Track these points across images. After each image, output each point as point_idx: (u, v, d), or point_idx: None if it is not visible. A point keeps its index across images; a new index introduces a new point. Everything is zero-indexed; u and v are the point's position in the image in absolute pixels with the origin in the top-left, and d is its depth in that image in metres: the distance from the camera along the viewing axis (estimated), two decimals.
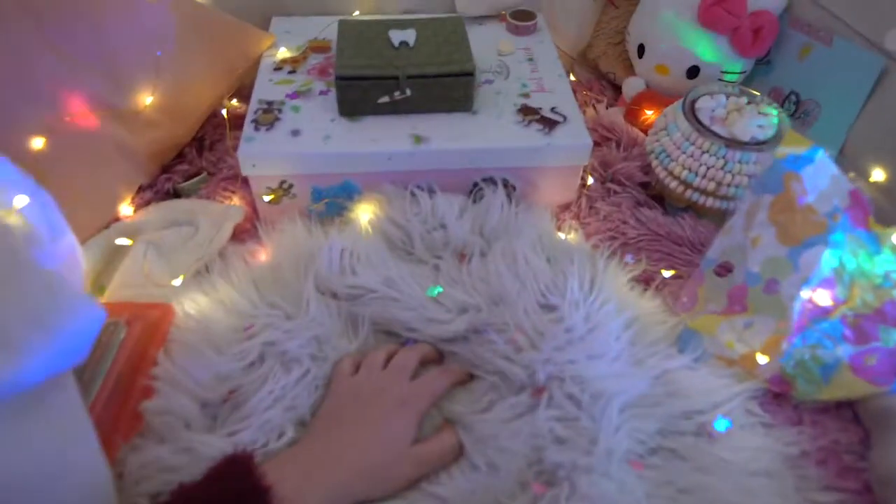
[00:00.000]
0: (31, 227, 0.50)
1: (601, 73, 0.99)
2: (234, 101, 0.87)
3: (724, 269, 0.66)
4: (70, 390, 0.42)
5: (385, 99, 0.70)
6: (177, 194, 0.80)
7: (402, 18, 0.76)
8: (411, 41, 0.72)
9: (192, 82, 0.76)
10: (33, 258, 0.42)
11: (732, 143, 0.71)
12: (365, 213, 0.73)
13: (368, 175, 0.70)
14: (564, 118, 0.72)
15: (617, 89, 0.98)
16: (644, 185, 0.80)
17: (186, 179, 0.80)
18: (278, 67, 0.79)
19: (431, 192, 0.71)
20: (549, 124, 0.71)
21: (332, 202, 0.72)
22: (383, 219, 0.71)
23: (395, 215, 0.69)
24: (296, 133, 0.69)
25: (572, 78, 0.95)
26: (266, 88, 0.75)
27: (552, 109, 0.73)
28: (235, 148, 0.69)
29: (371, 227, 0.71)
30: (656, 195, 0.80)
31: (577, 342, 0.55)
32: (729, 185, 0.72)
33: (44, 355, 0.37)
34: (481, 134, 0.70)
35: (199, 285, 0.64)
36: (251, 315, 0.60)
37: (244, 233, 0.74)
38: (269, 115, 0.71)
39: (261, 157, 0.68)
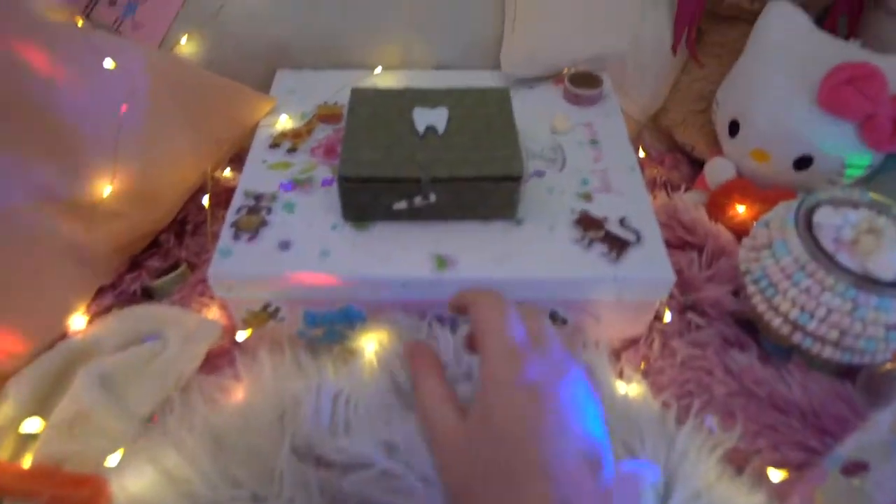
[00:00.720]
0: None
1: (675, 142, 0.81)
2: (227, 172, 0.71)
3: (857, 467, 0.48)
4: None
5: (402, 205, 0.53)
6: (148, 293, 0.65)
7: (432, 90, 0.60)
8: (441, 126, 0.55)
9: (169, 161, 0.61)
10: None
11: (866, 281, 0.52)
12: (370, 341, 0.57)
13: (376, 302, 0.54)
14: (638, 237, 0.54)
15: (695, 164, 0.80)
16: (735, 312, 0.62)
17: (160, 275, 0.66)
18: (275, 143, 0.63)
19: (455, 325, 0.55)
20: (618, 246, 0.54)
21: (329, 330, 0.57)
22: (392, 354, 0.55)
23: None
24: (285, 246, 0.53)
25: (641, 154, 0.76)
26: (256, 175, 0.60)
27: (621, 222, 0.56)
28: (218, 235, 0.55)
29: (377, 361, 0.55)
30: (748, 320, 0.62)
31: None
32: (858, 337, 0.53)
33: None
34: (526, 257, 0.53)
35: (147, 449, 0.50)
36: (206, 497, 0.45)
37: (221, 356, 0.59)
38: (255, 218, 0.55)
39: (238, 277, 0.52)
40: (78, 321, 0.60)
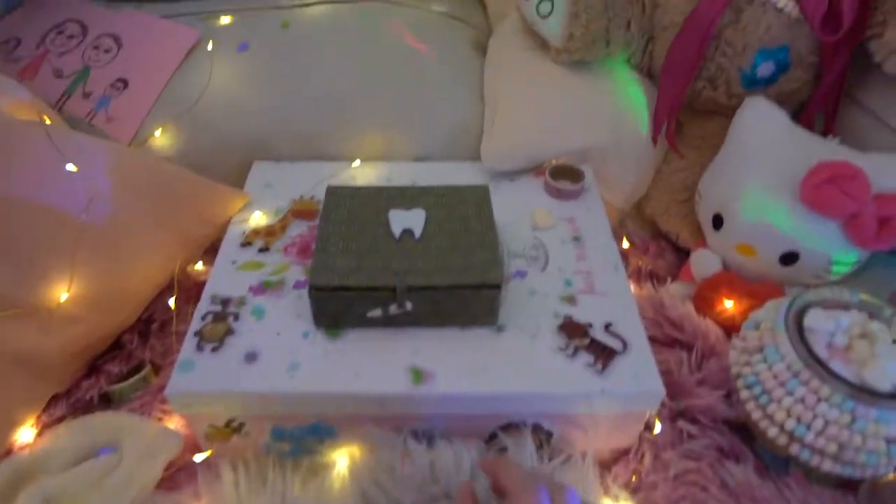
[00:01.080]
0: None
1: (659, 229, 0.80)
2: (199, 265, 0.69)
3: None
4: None
5: (377, 313, 0.51)
6: (106, 398, 0.61)
7: (410, 188, 0.58)
8: (418, 229, 0.53)
9: (133, 263, 0.58)
10: None
11: (863, 392, 0.50)
12: (342, 456, 0.53)
13: (348, 417, 0.51)
14: (624, 345, 0.52)
15: (679, 252, 0.78)
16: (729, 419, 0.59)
17: (123, 378, 0.62)
18: (247, 241, 0.61)
19: (432, 440, 0.51)
20: (604, 355, 0.51)
21: (297, 445, 0.53)
22: (364, 468, 0.51)
23: (379, 475, 0.49)
24: (252, 358, 0.50)
25: (625, 244, 0.75)
26: (225, 277, 0.57)
27: (607, 328, 0.53)
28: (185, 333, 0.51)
29: (349, 475, 0.51)
30: (742, 425, 0.59)
31: None
32: (858, 450, 0.50)
33: None
34: (507, 368, 0.50)
35: None
36: None
37: (182, 470, 0.54)
38: (221, 326, 0.52)
39: (200, 393, 0.49)
40: (26, 434, 0.56)
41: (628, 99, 0.73)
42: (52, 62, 0.74)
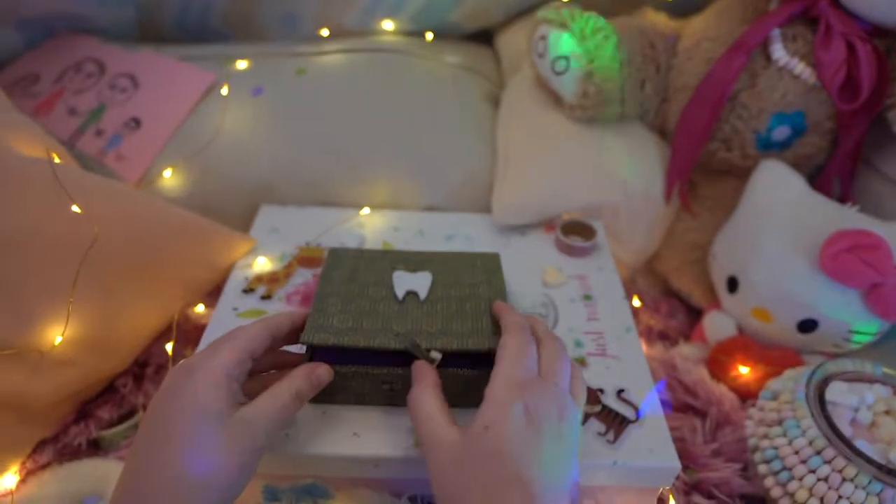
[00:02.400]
0: None
1: (670, 288, 0.78)
2: (200, 308, 0.67)
3: None
4: None
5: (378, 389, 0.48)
6: (96, 444, 0.59)
7: (415, 253, 0.57)
8: (423, 292, 0.51)
9: (131, 306, 0.57)
10: None
11: (891, 474, 0.47)
12: None
13: (345, 480, 0.48)
14: (637, 414, 0.49)
15: (692, 312, 0.77)
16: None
17: (113, 424, 0.59)
18: (250, 288, 0.59)
19: None
20: (616, 424, 0.49)
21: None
22: None
23: None
24: None
25: (636, 302, 0.73)
26: (224, 326, 0.55)
27: (619, 395, 0.51)
28: None
29: None
30: (759, 500, 0.56)
31: None
32: None
33: None
34: None
35: None
36: None
37: None
38: None
39: None
40: (9, 480, 0.53)
41: (641, 157, 0.72)
42: (68, 100, 0.75)
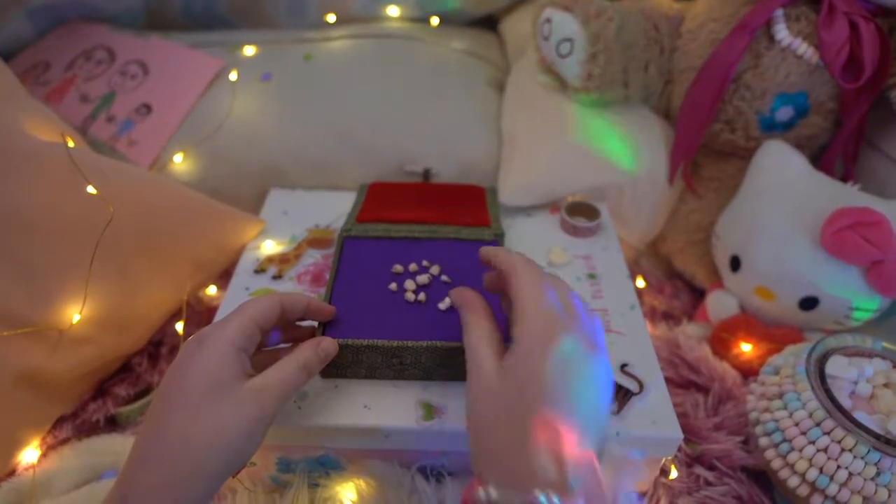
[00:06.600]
0: None
1: (674, 269, 0.79)
2: (212, 290, 0.68)
3: None
4: None
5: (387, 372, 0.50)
6: (113, 421, 0.60)
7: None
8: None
9: (147, 286, 0.58)
10: None
11: (889, 445, 0.48)
12: (348, 490, 0.52)
13: (356, 451, 0.50)
14: (641, 386, 0.51)
15: (695, 293, 0.78)
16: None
17: (130, 401, 0.61)
18: (261, 269, 0.60)
19: (441, 477, 0.50)
20: (620, 395, 0.50)
21: (304, 475, 0.52)
22: (371, 503, 0.50)
23: None
24: None
25: (640, 283, 0.74)
26: (236, 304, 0.56)
27: (622, 368, 0.52)
28: None
29: None
30: (760, 473, 0.57)
31: None
32: None
33: None
34: None
35: None
36: None
37: None
38: None
39: None
40: (30, 455, 0.55)
41: (646, 139, 0.73)
42: (79, 86, 0.76)
